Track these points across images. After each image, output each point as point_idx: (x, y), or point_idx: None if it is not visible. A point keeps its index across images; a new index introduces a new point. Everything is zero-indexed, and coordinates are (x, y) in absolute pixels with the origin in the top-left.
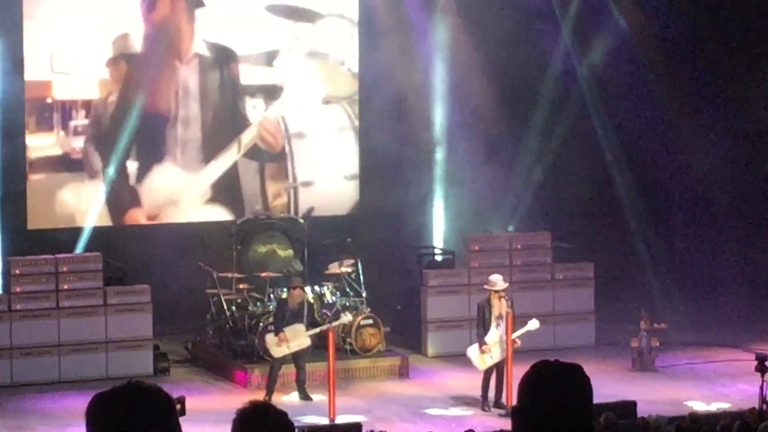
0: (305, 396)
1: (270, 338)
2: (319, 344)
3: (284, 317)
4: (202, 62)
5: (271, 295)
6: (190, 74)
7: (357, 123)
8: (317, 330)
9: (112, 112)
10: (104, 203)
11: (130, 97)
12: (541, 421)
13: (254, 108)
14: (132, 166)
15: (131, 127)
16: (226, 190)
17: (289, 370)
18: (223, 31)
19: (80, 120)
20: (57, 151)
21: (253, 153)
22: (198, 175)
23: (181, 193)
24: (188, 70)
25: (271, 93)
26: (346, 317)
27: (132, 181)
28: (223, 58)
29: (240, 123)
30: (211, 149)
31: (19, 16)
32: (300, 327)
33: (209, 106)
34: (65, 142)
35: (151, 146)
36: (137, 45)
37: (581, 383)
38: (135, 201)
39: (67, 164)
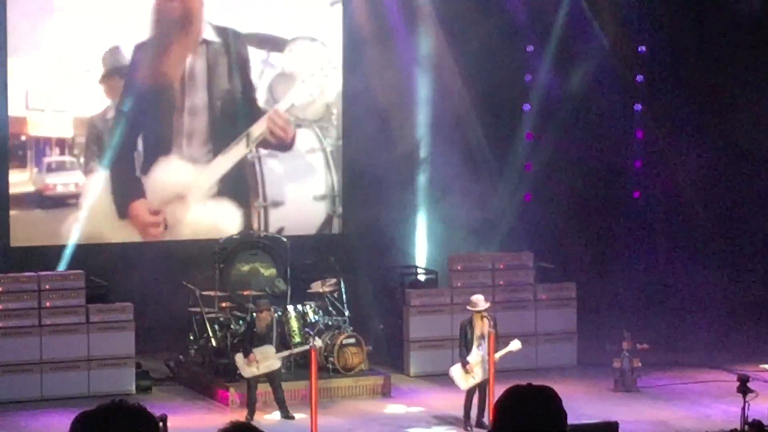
0: (286, 415)
1: (239, 359)
2: (301, 363)
3: (251, 339)
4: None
5: (253, 314)
6: (197, 61)
7: (325, 145)
8: (287, 353)
9: (111, 127)
10: (86, 219)
11: (129, 105)
12: None
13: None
14: (138, 158)
15: (133, 125)
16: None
17: (269, 389)
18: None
19: (54, 157)
20: (30, 188)
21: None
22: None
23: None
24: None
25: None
26: (317, 342)
27: (138, 173)
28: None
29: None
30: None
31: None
32: (269, 349)
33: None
34: (38, 179)
35: (157, 138)
36: (128, 57)
37: (552, 405)
38: (140, 193)
39: (39, 202)
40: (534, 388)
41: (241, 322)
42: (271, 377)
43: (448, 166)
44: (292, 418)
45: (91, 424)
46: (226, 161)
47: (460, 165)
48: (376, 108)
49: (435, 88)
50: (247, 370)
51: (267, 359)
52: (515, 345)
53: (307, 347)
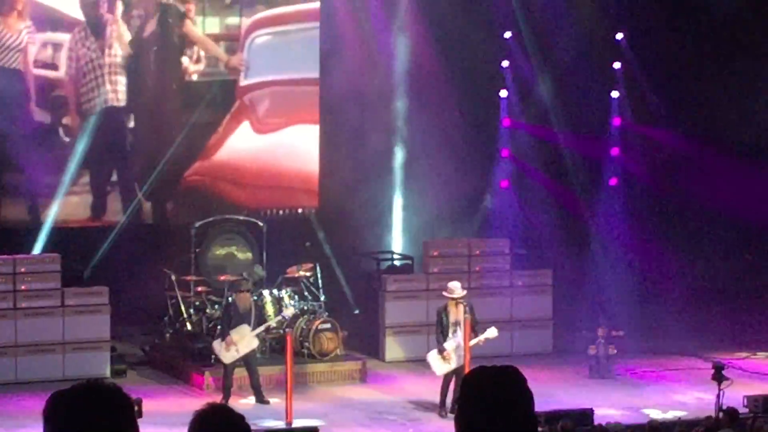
0: (261, 399)
1: (217, 344)
2: (276, 348)
3: (230, 321)
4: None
5: (229, 299)
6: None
7: None
8: (263, 327)
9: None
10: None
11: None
12: (480, 425)
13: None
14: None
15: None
16: None
17: (245, 374)
18: None
19: None
20: None
21: None
22: None
23: None
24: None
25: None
26: (289, 311)
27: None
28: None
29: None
30: None
31: None
32: (246, 327)
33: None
34: None
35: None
36: None
37: (517, 386)
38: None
39: None
40: (498, 369)
41: (216, 306)
42: (248, 361)
43: (425, 152)
44: (267, 402)
45: (65, 403)
46: None
47: (436, 151)
48: (353, 94)
49: (412, 74)
50: (227, 354)
51: (243, 338)
52: (491, 332)
53: (280, 318)
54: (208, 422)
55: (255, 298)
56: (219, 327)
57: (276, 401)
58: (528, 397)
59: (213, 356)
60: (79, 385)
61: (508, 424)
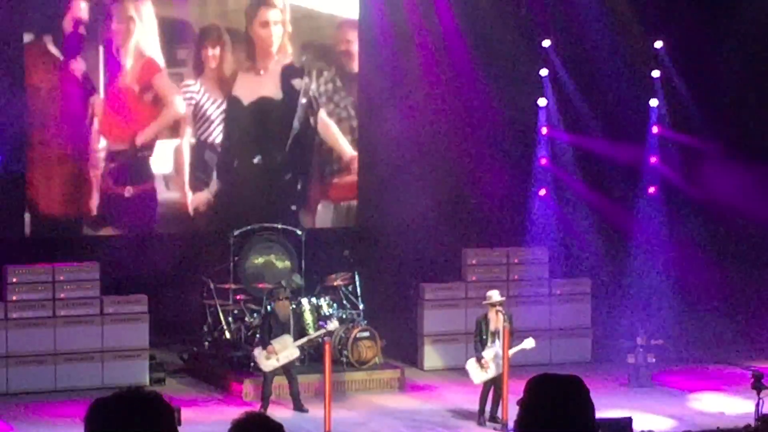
0: (300, 407)
1: (258, 352)
2: (315, 356)
3: (270, 330)
4: None
5: (268, 307)
6: None
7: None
8: (305, 339)
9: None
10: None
11: None
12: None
13: None
14: None
15: None
16: None
17: (284, 382)
18: None
19: None
20: None
21: None
22: None
23: None
24: None
25: None
26: (332, 324)
27: None
28: None
29: None
30: None
31: None
32: (288, 338)
33: None
34: None
35: None
36: None
37: (580, 394)
38: None
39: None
40: (563, 377)
41: (255, 315)
42: (288, 368)
43: (463, 160)
44: (306, 410)
45: (107, 410)
46: None
47: (475, 157)
48: (391, 102)
49: (450, 82)
50: (266, 363)
51: (285, 348)
52: (529, 343)
53: (323, 331)
54: (246, 430)
55: (293, 306)
56: (258, 335)
57: (315, 410)
58: (589, 407)
59: (252, 364)
60: (120, 393)
61: (570, 431)
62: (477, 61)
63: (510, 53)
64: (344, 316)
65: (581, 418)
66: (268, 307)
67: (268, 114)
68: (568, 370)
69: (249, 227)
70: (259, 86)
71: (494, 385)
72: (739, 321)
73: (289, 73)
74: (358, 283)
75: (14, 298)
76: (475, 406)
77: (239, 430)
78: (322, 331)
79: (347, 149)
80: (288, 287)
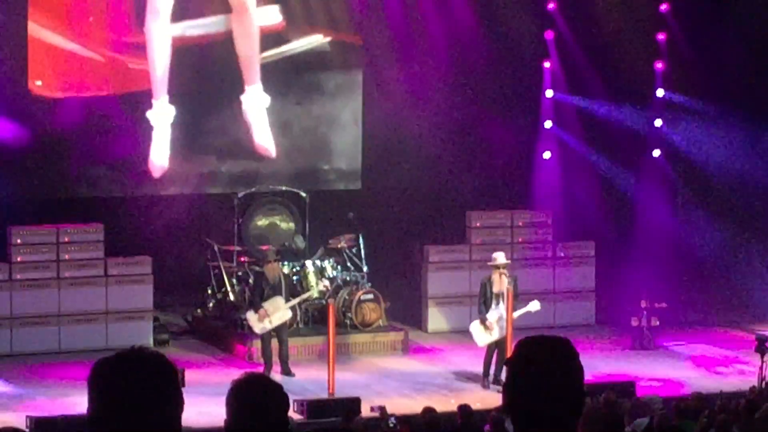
0: (287, 371)
1: (251, 315)
2: (318, 318)
3: (262, 292)
4: None
5: (260, 268)
6: None
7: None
8: (297, 300)
9: None
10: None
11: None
12: (530, 396)
13: None
14: None
15: None
16: None
17: (292, 344)
18: None
19: None
20: None
21: None
22: None
23: None
24: None
25: None
26: (322, 283)
27: None
28: None
29: None
30: None
31: None
32: (279, 299)
33: None
34: None
35: None
36: None
37: (568, 357)
38: None
39: None
40: (551, 339)
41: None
42: (279, 331)
43: (467, 122)
44: (292, 375)
45: (110, 370)
46: None
47: (479, 120)
48: (394, 64)
49: (454, 45)
50: (259, 325)
51: (278, 310)
52: (534, 306)
53: (310, 293)
54: (245, 391)
55: (297, 268)
56: (250, 298)
57: (318, 372)
58: (578, 370)
59: (246, 326)
60: (123, 353)
61: (558, 395)
62: (482, 23)
63: (515, 16)
64: (348, 279)
65: (568, 379)
66: (259, 270)
67: None
68: (572, 333)
69: (254, 189)
70: None
71: (498, 347)
72: (743, 284)
73: None
74: (362, 246)
75: (19, 259)
76: (479, 369)
77: (238, 390)
78: (309, 293)
79: None
80: (290, 249)
